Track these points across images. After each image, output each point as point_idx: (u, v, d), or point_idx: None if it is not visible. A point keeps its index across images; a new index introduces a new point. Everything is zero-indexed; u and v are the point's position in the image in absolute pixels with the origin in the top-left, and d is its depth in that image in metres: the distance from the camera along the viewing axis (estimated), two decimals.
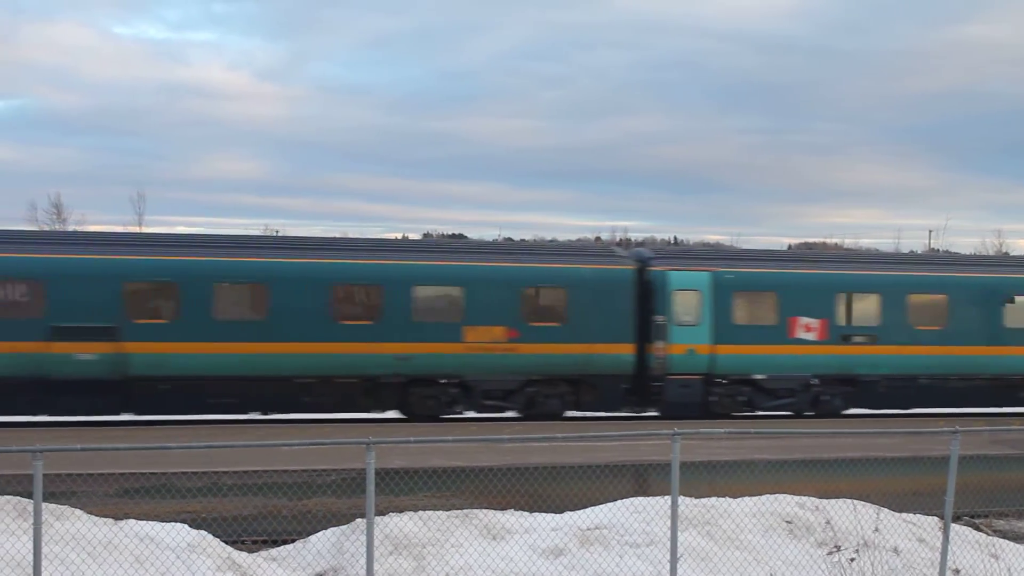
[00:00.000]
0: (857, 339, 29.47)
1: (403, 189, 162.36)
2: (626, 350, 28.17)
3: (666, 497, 11.79)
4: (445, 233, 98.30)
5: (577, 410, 28.12)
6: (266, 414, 26.34)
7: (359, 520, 12.09)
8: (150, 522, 12.38)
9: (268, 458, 18.77)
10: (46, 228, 63.68)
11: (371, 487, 10.13)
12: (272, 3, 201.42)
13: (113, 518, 12.36)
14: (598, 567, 12.00)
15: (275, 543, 13.41)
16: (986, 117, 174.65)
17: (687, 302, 28.55)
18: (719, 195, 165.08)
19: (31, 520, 9.92)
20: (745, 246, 65.53)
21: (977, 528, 14.73)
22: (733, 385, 28.77)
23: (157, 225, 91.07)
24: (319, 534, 12.92)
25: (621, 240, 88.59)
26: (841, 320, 29.45)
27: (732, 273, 29.17)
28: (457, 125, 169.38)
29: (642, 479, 18.00)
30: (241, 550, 12.43)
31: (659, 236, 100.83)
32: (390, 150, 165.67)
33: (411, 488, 16.64)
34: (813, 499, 13.89)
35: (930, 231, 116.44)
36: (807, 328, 29.05)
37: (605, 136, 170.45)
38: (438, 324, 27.06)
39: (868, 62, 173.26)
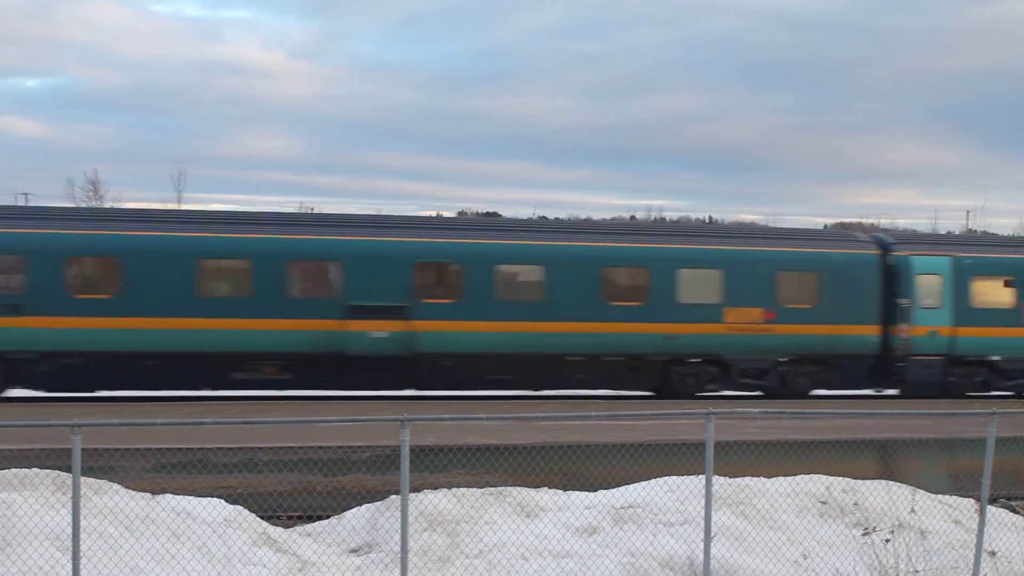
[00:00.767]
0: None
1: (437, 167, 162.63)
2: (872, 331, 29.15)
3: (700, 476, 11.78)
4: (479, 211, 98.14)
5: (824, 388, 29.18)
6: (536, 390, 27.39)
7: (393, 497, 12.16)
8: (187, 497, 12.49)
9: (304, 435, 18.88)
10: (80, 204, 63.99)
11: (406, 464, 10.18)
12: None
13: (150, 492, 12.48)
14: (631, 545, 12.02)
15: (310, 519, 13.50)
16: None
17: (929, 286, 29.48)
18: (754, 174, 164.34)
19: (70, 494, 10.04)
20: (780, 225, 64.98)
21: (1013, 510, 14.62)
22: (971, 366, 29.61)
23: (193, 202, 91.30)
24: (354, 510, 12.99)
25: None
26: None
27: (971, 258, 30.03)
28: (492, 103, 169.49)
29: (676, 458, 17.98)
30: (277, 525, 12.53)
31: (694, 215, 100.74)
32: (424, 128, 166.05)
33: (445, 466, 16.70)
34: (847, 480, 13.82)
35: (968, 211, 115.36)
36: None
37: (640, 115, 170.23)
38: (702, 305, 28.05)
39: (905, 40, 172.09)
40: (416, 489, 12.42)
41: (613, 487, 13.55)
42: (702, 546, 11.13)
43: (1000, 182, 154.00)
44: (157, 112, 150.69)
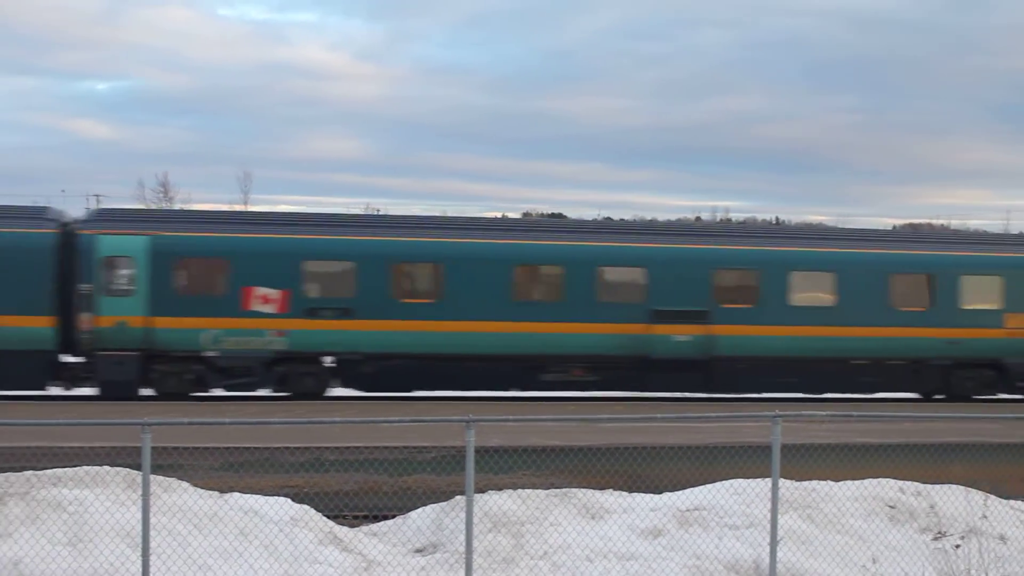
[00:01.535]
0: None
1: (502, 168, 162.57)
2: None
3: (766, 479, 11.68)
4: (544, 213, 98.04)
5: None
6: (819, 394, 27.68)
7: (458, 497, 12.18)
8: (254, 495, 12.62)
9: (369, 435, 18.97)
10: (153, 206, 64.97)
11: (471, 465, 10.20)
12: None
13: (218, 491, 12.61)
14: (697, 548, 11.95)
15: (375, 518, 13.57)
16: None
17: None
18: (821, 175, 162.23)
19: (140, 491, 10.17)
20: (851, 227, 64.33)
21: None
22: None
23: (261, 204, 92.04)
24: (419, 510, 13.04)
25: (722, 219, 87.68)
26: None
27: None
28: (555, 104, 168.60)
29: (742, 461, 17.86)
30: (342, 525, 12.61)
31: (760, 216, 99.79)
32: (489, 129, 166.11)
33: (510, 466, 16.70)
34: (916, 484, 13.65)
35: None
36: None
37: (704, 115, 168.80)
38: (983, 311, 28.53)
39: (973, 38, 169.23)
40: (481, 490, 12.43)
41: (678, 489, 13.49)
42: (768, 549, 11.05)
43: None
44: (224, 114, 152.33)
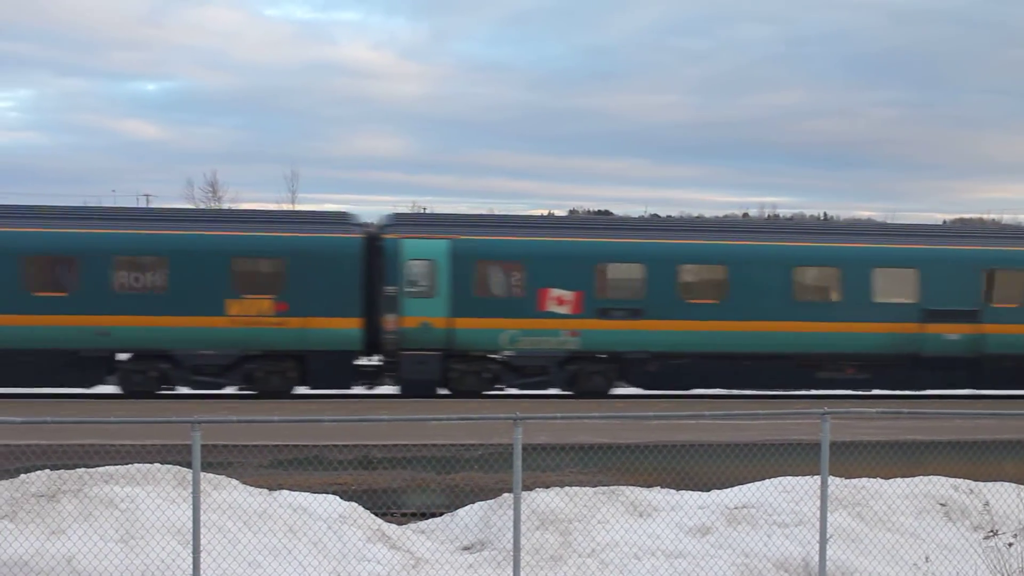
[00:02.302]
0: None
1: (546, 165, 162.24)
2: None
3: (815, 477, 11.61)
4: (589, 210, 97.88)
5: None
6: None
7: (506, 495, 12.20)
8: (303, 493, 12.69)
9: (417, 432, 19.04)
10: (202, 206, 65.51)
11: (518, 462, 10.21)
12: None
13: (267, 488, 12.71)
14: (746, 546, 11.90)
15: (423, 516, 13.61)
16: None
17: None
18: (866, 170, 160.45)
19: (190, 489, 10.26)
20: (898, 222, 63.77)
21: None
22: None
23: (307, 203, 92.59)
24: (466, 508, 13.07)
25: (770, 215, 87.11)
26: None
27: None
28: (599, 101, 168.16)
29: (790, 458, 17.75)
30: (391, 522, 12.66)
31: (808, 212, 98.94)
32: (533, 127, 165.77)
33: (557, 464, 16.70)
34: (968, 482, 13.52)
35: None
36: None
37: (748, 111, 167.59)
38: None
39: (1017, 31, 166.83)
40: (528, 487, 12.44)
41: (727, 487, 13.44)
42: (817, 547, 10.98)
43: None
44: (270, 114, 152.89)
